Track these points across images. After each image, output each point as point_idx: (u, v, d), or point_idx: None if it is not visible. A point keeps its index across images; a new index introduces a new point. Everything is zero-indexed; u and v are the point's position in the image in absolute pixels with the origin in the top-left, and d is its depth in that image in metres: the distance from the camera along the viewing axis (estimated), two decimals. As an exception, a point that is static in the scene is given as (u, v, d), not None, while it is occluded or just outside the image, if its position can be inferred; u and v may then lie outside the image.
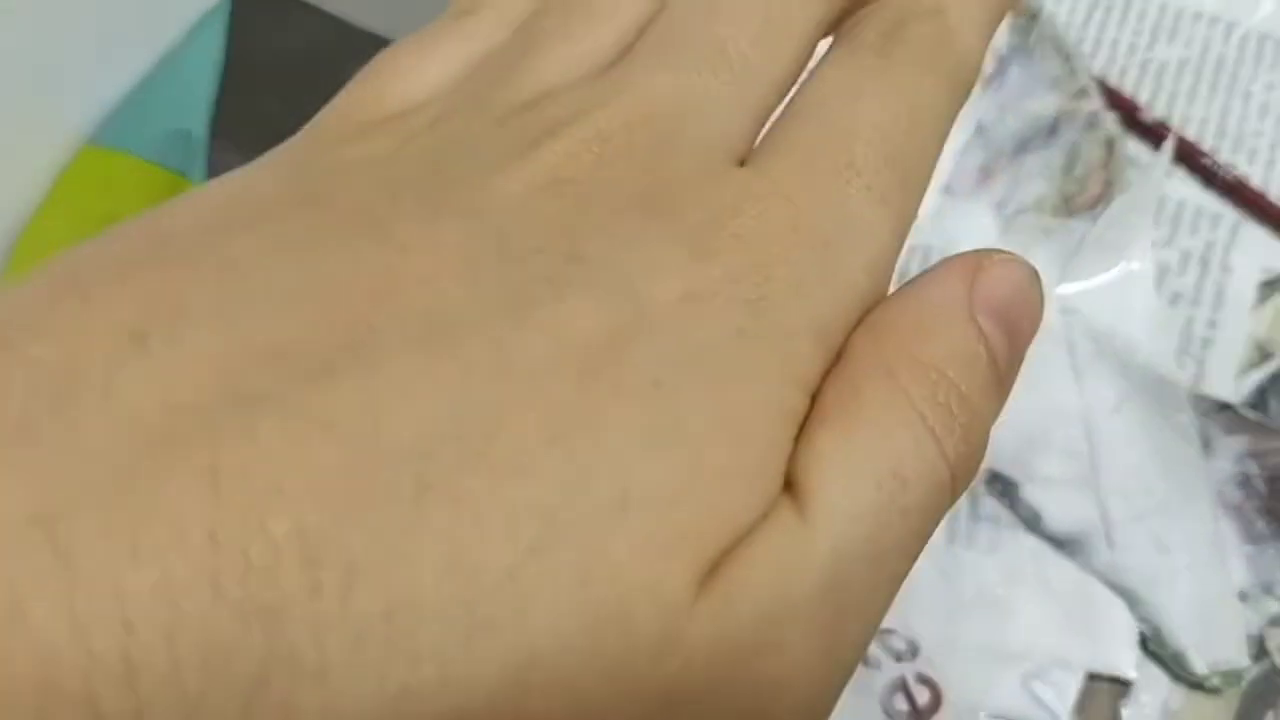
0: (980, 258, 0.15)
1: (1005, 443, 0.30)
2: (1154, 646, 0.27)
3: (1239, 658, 0.27)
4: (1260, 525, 0.28)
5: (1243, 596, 0.28)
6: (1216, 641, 0.27)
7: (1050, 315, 0.31)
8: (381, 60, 0.16)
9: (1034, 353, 0.32)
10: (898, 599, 0.29)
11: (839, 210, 0.14)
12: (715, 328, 0.12)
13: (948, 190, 0.33)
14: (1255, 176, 0.34)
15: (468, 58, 0.16)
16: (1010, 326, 0.14)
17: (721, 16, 0.15)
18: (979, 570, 0.28)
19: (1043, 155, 0.33)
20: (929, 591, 0.28)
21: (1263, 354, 0.31)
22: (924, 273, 0.14)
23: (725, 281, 0.13)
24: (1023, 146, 0.33)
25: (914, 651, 0.27)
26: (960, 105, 0.16)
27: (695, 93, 0.15)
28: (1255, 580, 0.28)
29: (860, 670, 0.27)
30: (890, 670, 0.27)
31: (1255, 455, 0.29)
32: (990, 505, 0.29)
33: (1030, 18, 0.34)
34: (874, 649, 0.27)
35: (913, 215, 0.15)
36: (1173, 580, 0.28)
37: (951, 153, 0.33)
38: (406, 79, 0.16)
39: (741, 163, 0.14)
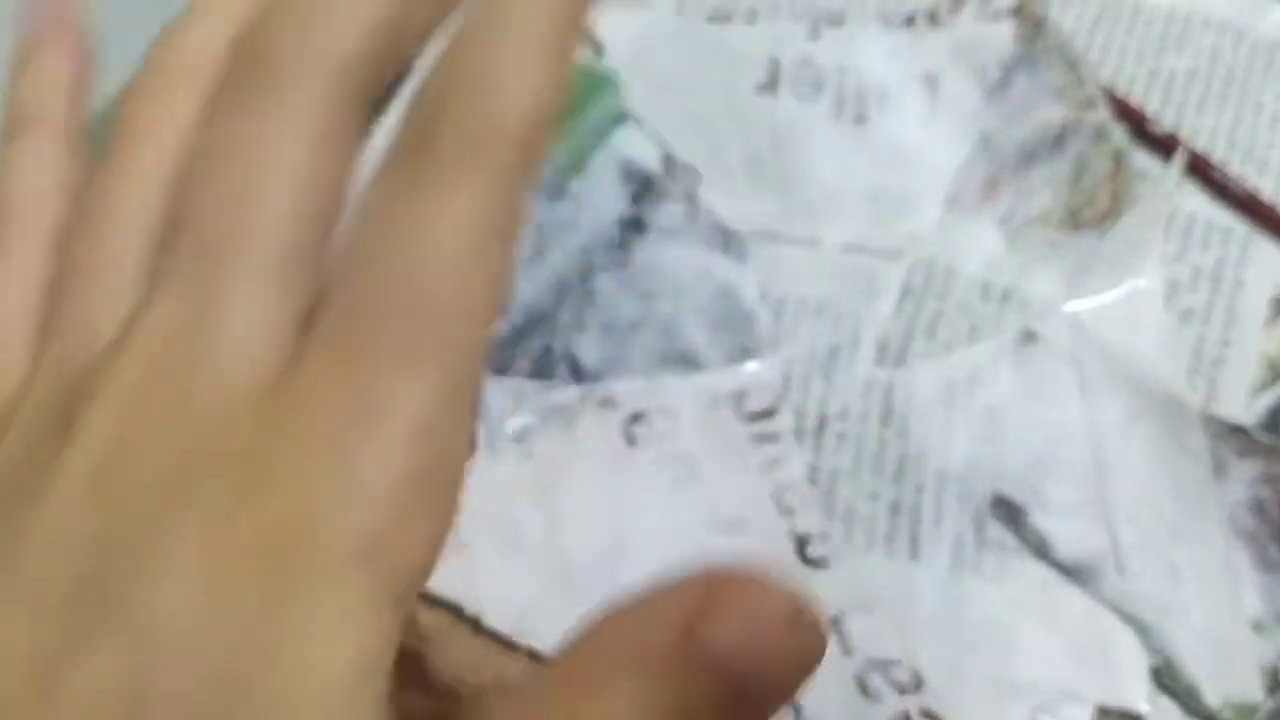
0: (711, 586, 0.13)
1: (1011, 465, 0.29)
2: (1166, 679, 0.26)
3: (1253, 690, 0.26)
4: (1274, 552, 0.27)
5: (1256, 627, 0.27)
6: (1230, 674, 0.26)
7: (1058, 332, 0.30)
8: None
9: (1042, 372, 0.31)
10: (900, 629, 0.28)
11: (356, 400, 0.13)
12: (244, 611, 0.13)
13: (951, 203, 0.32)
14: (1267, 189, 0.33)
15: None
16: (737, 682, 0.13)
17: (203, 201, 0.15)
18: (985, 599, 0.27)
19: (1049, 167, 0.32)
20: (934, 621, 0.27)
21: (1276, 374, 0.30)
22: (614, 607, 0.13)
23: (248, 553, 0.13)
24: (1028, 158, 0.32)
25: (918, 684, 0.27)
26: (513, 190, 0.14)
27: (199, 306, 0.14)
28: (1269, 610, 0.27)
29: (861, 704, 0.26)
30: (893, 704, 0.26)
31: (1269, 480, 0.28)
32: (997, 531, 0.28)
33: (1035, 25, 0.34)
34: (877, 681, 0.26)
35: (470, 356, 0.14)
36: (1185, 610, 0.27)
37: (954, 164, 0.33)
38: None
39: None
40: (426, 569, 0.14)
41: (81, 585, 0.13)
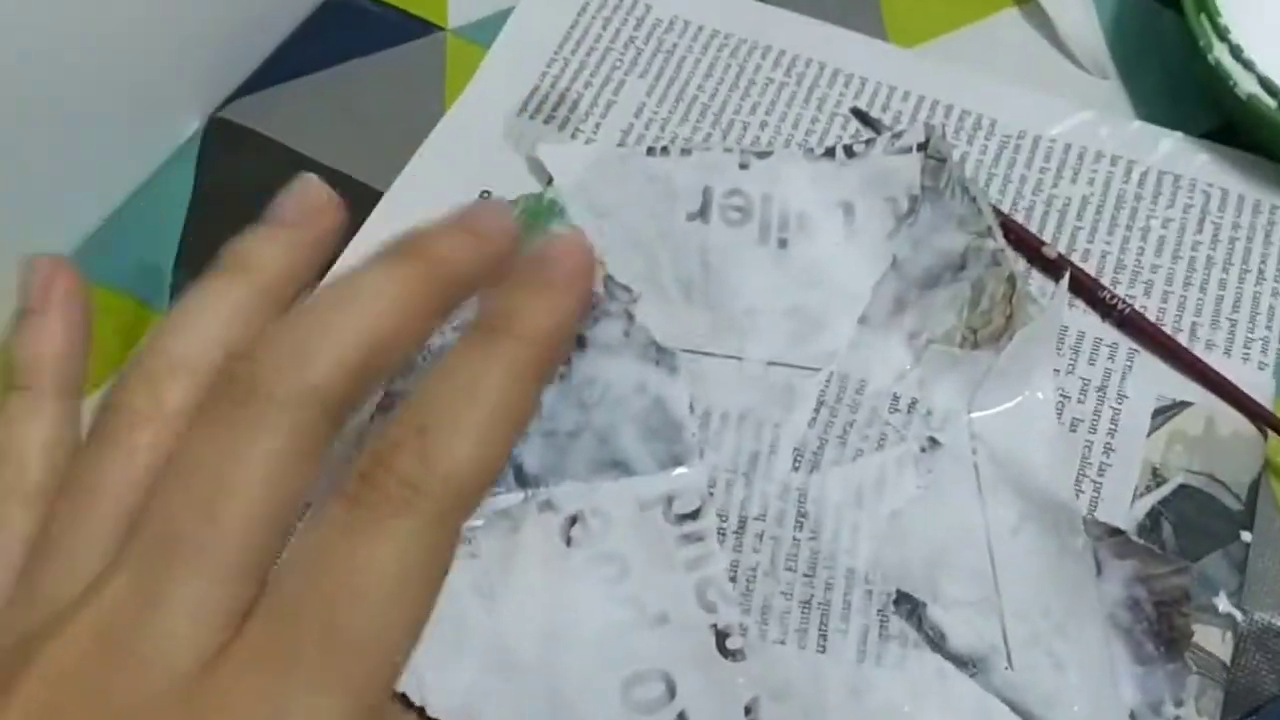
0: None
1: (913, 564, 0.32)
2: (1050, 763, 0.29)
3: (1130, 774, 0.29)
4: (1149, 648, 0.30)
5: (1133, 716, 0.29)
6: (1108, 758, 0.29)
7: (958, 441, 0.33)
8: None
9: (943, 477, 0.34)
10: (809, 715, 0.30)
11: (266, 709, 0.15)
12: None
13: (863, 320, 0.35)
14: (1151, 308, 0.36)
15: None
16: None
17: (170, 499, 0.17)
18: (887, 687, 0.30)
19: (951, 289, 0.35)
20: (840, 708, 0.30)
21: (1157, 479, 0.33)
22: None
23: None
24: (933, 280, 0.36)
25: (824, 768, 0.29)
26: (457, 522, 0.17)
27: (146, 589, 0.16)
28: (1144, 700, 0.29)
29: (773, 786, 0.29)
30: (801, 786, 0.29)
31: (1143, 580, 0.31)
32: (898, 624, 0.31)
33: (940, 160, 0.37)
34: (786, 765, 0.29)
35: (383, 683, 0.16)
36: (1067, 699, 0.29)
37: (868, 284, 0.36)
38: None
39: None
40: None
41: None
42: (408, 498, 0.16)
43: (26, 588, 0.18)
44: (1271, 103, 0.36)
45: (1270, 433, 0.34)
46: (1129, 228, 0.38)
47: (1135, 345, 0.35)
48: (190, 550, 0.16)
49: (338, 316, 0.18)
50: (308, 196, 0.22)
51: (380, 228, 0.37)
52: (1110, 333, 0.36)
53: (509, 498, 0.32)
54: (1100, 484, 0.33)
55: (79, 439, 0.20)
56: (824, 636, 0.31)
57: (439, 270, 0.19)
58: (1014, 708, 0.29)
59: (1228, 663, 0.30)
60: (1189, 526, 0.32)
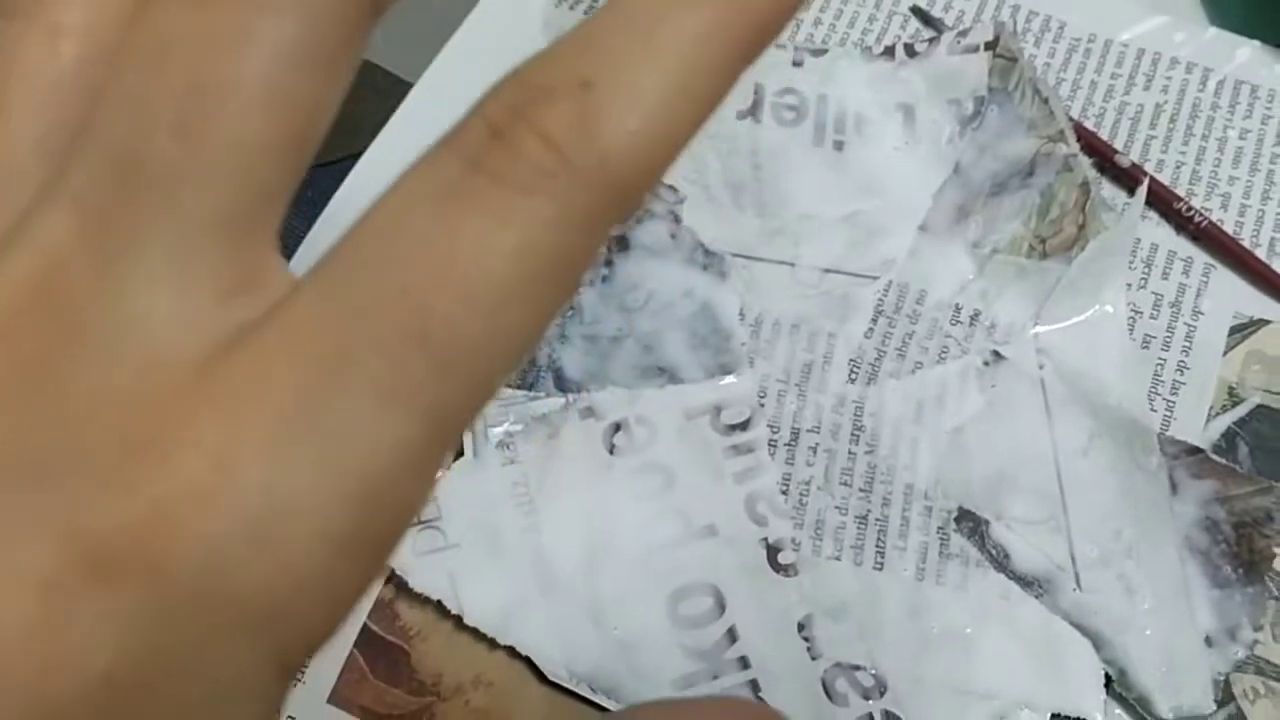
0: None
1: (976, 481, 0.30)
2: (1119, 689, 0.27)
3: (1204, 702, 0.27)
4: (1226, 570, 0.28)
5: (1208, 641, 0.28)
6: (1182, 685, 0.27)
7: (1024, 355, 0.32)
8: None
9: (1008, 393, 0.32)
10: (866, 636, 0.29)
11: (308, 419, 0.10)
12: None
13: (924, 228, 0.33)
14: (1228, 222, 0.34)
15: None
16: None
17: (133, 103, 0.11)
18: (947, 608, 0.28)
19: (1019, 196, 0.33)
20: (897, 629, 0.28)
21: (1233, 398, 0.31)
22: None
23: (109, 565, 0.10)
24: (1000, 187, 0.34)
25: (882, 689, 0.27)
26: (606, 226, 0.11)
27: (110, 235, 0.11)
28: (1220, 625, 0.28)
29: (827, 706, 0.27)
30: (858, 707, 0.27)
31: (1222, 500, 0.29)
32: (959, 542, 0.29)
33: (1010, 60, 0.35)
34: (842, 685, 0.27)
35: (463, 419, 0.11)
36: (1139, 623, 0.28)
37: (928, 191, 0.34)
38: None
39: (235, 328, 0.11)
40: (327, 639, 0.11)
41: None
42: (552, 173, 0.11)
43: None
44: (1365, 5, 0.34)
45: (1352, 354, 0.32)
46: (1205, 138, 0.36)
47: (1211, 260, 0.33)
48: (166, 179, 0.11)
49: (633, 79, 0.11)
50: None
51: (410, 121, 0.35)
52: (1186, 246, 0.34)
53: (549, 402, 0.30)
54: (1173, 403, 0.31)
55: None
56: (881, 553, 0.29)
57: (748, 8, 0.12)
58: (1082, 631, 0.28)
59: (1305, 590, 0.29)
60: (1266, 447, 0.31)
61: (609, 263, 0.32)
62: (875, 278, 0.33)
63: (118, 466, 0.10)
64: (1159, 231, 0.34)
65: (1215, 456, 0.30)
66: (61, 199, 0.11)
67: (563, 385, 0.31)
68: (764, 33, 0.12)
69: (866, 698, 0.27)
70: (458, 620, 0.28)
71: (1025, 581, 0.29)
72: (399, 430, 0.11)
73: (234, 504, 0.10)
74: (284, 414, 0.10)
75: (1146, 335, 0.32)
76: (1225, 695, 0.27)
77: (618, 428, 0.30)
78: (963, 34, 0.36)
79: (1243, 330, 0.32)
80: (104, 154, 0.11)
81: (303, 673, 0.28)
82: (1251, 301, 0.33)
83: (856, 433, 0.31)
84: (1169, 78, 0.36)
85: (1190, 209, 0.34)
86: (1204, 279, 0.33)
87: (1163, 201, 0.34)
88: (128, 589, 0.10)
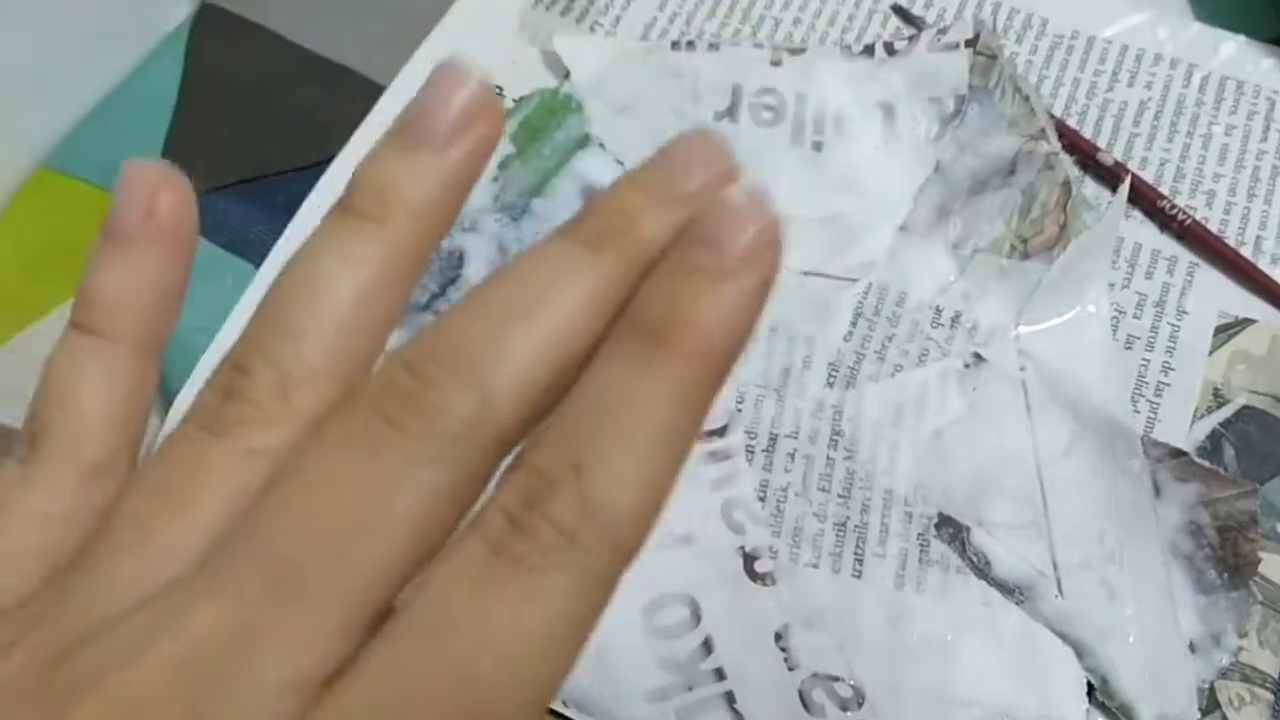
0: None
1: (956, 486, 0.29)
2: (1102, 697, 0.27)
3: (1188, 710, 0.27)
4: (1211, 575, 0.28)
5: (1192, 647, 0.27)
6: (1165, 693, 0.27)
7: (1005, 357, 0.31)
8: None
9: (989, 395, 0.32)
10: (844, 645, 0.28)
11: None
12: None
13: (904, 229, 0.33)
14: (1213, 220, 0.34)
15: (31, 549, 0.14)
16: None
17: (294, 523, 0.13)
18: (927, 616, 0.28)
19: (1000, 195, 0.33)
20: (876, 637, 0.28)
21: (1218, 399, 0.31)
22: None
23: None
24: (980, 186, 0.33)
25: (860, 700, 0.27)
26: (616, 576, 0.13)
27: (248, 629, 0.13)
28: (1205, 631, 0.27)
29: (804, 718, 0.27)
30: (835, 718, 0.27)
31: (1206, 503, 0.29)
32: (939, 549, 0.29)
33: (990, 58, 0.34)
34: (819, 696, 0.27)
35: None
36: (1122, 630, 0.27)
37: (909, 191, 0.33)
38: None
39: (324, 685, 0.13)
40: None
41: None
42: (565, 551, 0.13)
43: (82, 576, 0.14)
44: (1350, -1, 0.33)
45: (1340, 353, 0.31)
46: (1189, 135, 0.35)
47: (1196, 258, 0.33)
48: (310, 590, 0.13)
49: (518, 327, 0.14)
50: (464, 93, 0.15)
51: (382, 125, 0.34)
52: (1170, 245, 0.33)
53: (522, 410, 0.30)
54: (1158, 404, 0.31)
55: (150, 409, 0.16)
56: (860, 561, 0.29)
57: (642, 256, 0.14)
58: (1064, 638, 0.27)
59: (1291, 595, 0.28)
60: (1251, 450, 0.30)
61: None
62: (855, 280, 0.32)
63: None
64: (1143, 230, 0.33)
65: (1199, 459, 0.29)
66: (213, 591, 0.13)
67: (536, 392, 0.30)
68: (720, 373, 0.14)
69: (844, 709, 0.27)
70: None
71: (1006, 588, 0.28)
72: None
73: None
74: None
75: (1130, 336, 0.32)
76: (1210, 703, 0.27)
77: (592, 435, 0.30)
78: (942, 31, 0.35)
79: (1228, 330, 0.32)
80: (262, 556, 0.13)
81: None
82: (1237, 301, 0.32)
83: (835, 438, 0.30)
84: (1153, 74, 0.36)
85: (1174, 207, 0.33)
86: (1188, 278, 0.33)
87: (1146, 200, 0.33)
88: None
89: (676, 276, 0.14)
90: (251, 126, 0.34)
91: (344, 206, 0.15)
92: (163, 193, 0.16)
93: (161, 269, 0.16)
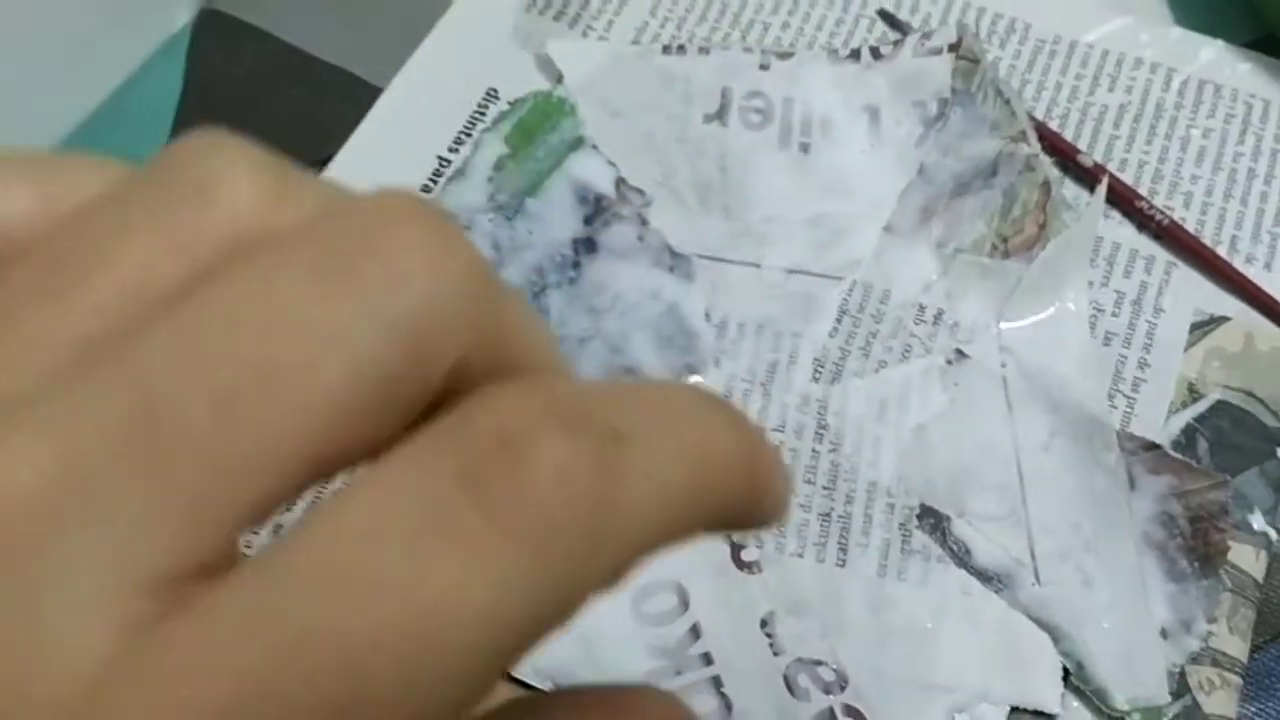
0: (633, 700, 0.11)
1: (938, 478, 0.30)
2: (1077, 681, 0.28)
3: (1160, 694, 0.28)
4: (1182, 564, 0.29)
5: (1164, 634, 0.28)
6: (1138, 677, 0.28)
7: (986, 353, 0.32)
8: None
9: (970, 391, 0.32)
10: (828, 632, 0.29)
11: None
12: None
13: (889, 229, 0.34)
14: (1190, 220, 0.34)
15: None
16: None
17: (182, 348, 0.10)
18: (908, 603, 0.29)
19: (982, 196, 0.34)
20: (859, 623, 0.29)
21: (1193, 395, 0.32)
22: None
23: None
24: (963, 188, 0.34)
25: (843, 684, 0.28)
26: (569, 598, 0.10)
27: (75, 491, 0.09)
28: (1176, 618, 0.28)
29: (789, 701, 0.28)
30: (819, 702, 0.28)
31: (1178, 495, 0.30)
32: (921, 539, 0.30)
33: (973, 62, 0.35)
34: (803, 680, 0.28)
35: None
36: (1096, 617, 0.28)
37: (893, 192, 0.34)
38: None
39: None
40: None
41: None
42: (551, 509, 0.09)
43: None
44: (1323, 5, 0.34)
45: (1312, 350, 0.32)
46: (1168, 137, 0.36)
47: (1173, 258, 0.34)
48: (178, 447, 0.09)
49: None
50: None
51: (378, 127, 0.35)
52: (1147, 244, 0.34)
53: (516, 404, 0.31)
54: (1134, 400, 0.32)
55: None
56: (844, 550, 0.29)
57: None
58: (1041, 624, 0.28)
59: (1260, 581, 0.29)
60: (1225, 443, 0.31)
61: (576, 264, 0.33)
62: (840, 278, 0.33)
63: None
64: (1121, 230, 0.34)
65: (1173, 452, 0.30)
66: (58, 425, 0.09)
67: (530, 386, 0.31)
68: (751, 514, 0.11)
69: (827, 692, 0.28)
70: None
71: (985, 576, 0.29)
72: None
73: None
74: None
75: (1108, 333, 0.33)
76: (1181, 687, 0.28)
77: (584, 428, 0.31)
78: (927, 36, 0.36)
79: (1203, 327, 0.33)
80: (129, 393, 0.09)
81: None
82: (1212, 299, 0.33)
83: (820, 431, 0.31)
84: (1133, 78, 0.37)
85: (1152, 207, 0.34)
86: (1165, 277, 0.34)
87: (1125, 200, 0.34)
88: None
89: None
90: (252, 129, 0.35)
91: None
92: None
93: None
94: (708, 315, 0.32)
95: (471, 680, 0.09)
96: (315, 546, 0.09)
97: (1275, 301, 0.33)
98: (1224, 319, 0.33)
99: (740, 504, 0.11)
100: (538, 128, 0.35)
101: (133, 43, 0.37)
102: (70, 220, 0.11)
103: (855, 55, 0.36)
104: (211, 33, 0.37)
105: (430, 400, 0.10)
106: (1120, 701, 0.27)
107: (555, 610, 0.10)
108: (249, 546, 0.23)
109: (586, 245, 0.33)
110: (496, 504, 0.09)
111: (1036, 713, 0.28)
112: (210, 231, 0.11)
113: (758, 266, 0.33)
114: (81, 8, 0.35)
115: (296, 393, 0.10)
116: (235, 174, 0.11)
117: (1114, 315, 0.33)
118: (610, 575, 0.10)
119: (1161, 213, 0.34)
